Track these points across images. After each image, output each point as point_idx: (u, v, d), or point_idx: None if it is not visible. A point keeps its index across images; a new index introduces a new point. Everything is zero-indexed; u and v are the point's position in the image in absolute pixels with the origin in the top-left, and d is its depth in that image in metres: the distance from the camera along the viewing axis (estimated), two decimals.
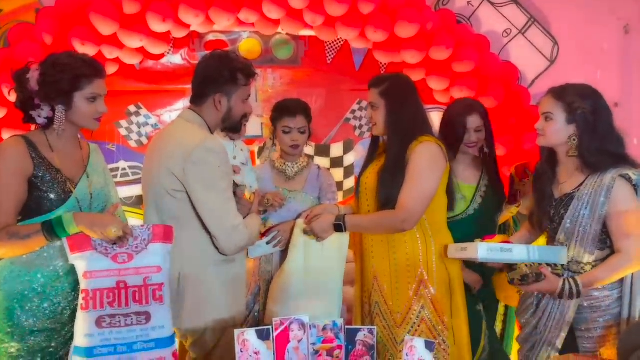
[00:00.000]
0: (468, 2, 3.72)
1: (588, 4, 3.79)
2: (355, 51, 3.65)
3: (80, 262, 1.81)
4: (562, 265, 2.03)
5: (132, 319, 1.80)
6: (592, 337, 2.03)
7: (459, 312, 2.25)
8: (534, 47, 3.80)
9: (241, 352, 1.54)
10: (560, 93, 2.06)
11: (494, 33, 3.73)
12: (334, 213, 2.35)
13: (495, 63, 3.50)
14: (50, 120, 1.92)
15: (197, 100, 2.11)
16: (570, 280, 1.94)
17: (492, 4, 3.74)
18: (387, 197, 2.18)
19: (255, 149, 3.61)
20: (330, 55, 3.67)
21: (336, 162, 3.67)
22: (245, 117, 2.18)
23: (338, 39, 3.62)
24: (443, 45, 3.31)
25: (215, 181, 1.94)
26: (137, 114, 3.49)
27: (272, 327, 1.56)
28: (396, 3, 3.25)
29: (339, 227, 2.26)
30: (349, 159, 3.69)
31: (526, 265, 1.97)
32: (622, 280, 2.02)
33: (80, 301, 1.80)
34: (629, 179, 1.96)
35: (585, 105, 2.01)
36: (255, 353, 1.55)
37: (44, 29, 3.01)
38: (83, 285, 1.81)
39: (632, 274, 2.00)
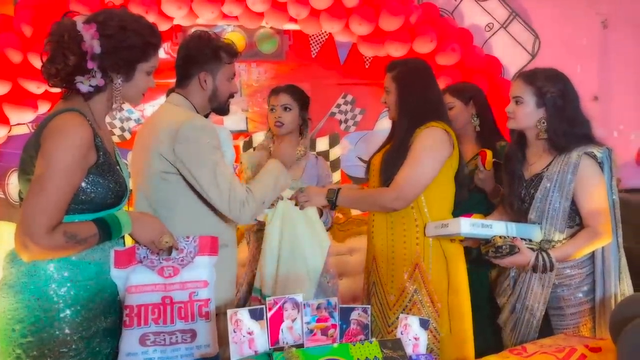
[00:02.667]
0: None
1: None
2: (339, 45, 3.66)
3: (125, 275, 1.65)
4: (534, 243, 2.06)
5: (177, 337, 1.66)
6: (565, 314, 2.08)
7: (460, 304, 2.20)
8: (515, 41, 3.87)
9: (234, 332, 1.49)
10: (531, 77, 2.11)
11: (477, 27, 3.79)
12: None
13: (478, 56, 3.54)
14: (95, 90, 1.60)
15: (182, 82, 2.07)
16: (544, 253, 1.98)
17: None
18: (389, 179, 2.18)
19: (240, 143, 3.58)
20: (314, 50, 3.67)
21: (322, 156, 3.65)
22: (231, 97, 2.14)
23: (322, 33, 3.63)
24: (427, 38, 3.34)
25: (207, 156, 1.90)
26: (120, 108, 3.41)
27: (266, 307, 1.52)
28: None
29: (331, 197, 2.25)
30: (334, 153, 3.68)
31: (500, 237, 2.00)
32: (592, 258, 2.07)
33: (124, 318, 1.64)
34: (593, 156, 2.02)
35: (554, 90, 2.06)
36: (249, 333, 1.50)
37: (23, 20, 2.95)
38: (127, 300, 1.64)
39: (603, 250, 2.06)
